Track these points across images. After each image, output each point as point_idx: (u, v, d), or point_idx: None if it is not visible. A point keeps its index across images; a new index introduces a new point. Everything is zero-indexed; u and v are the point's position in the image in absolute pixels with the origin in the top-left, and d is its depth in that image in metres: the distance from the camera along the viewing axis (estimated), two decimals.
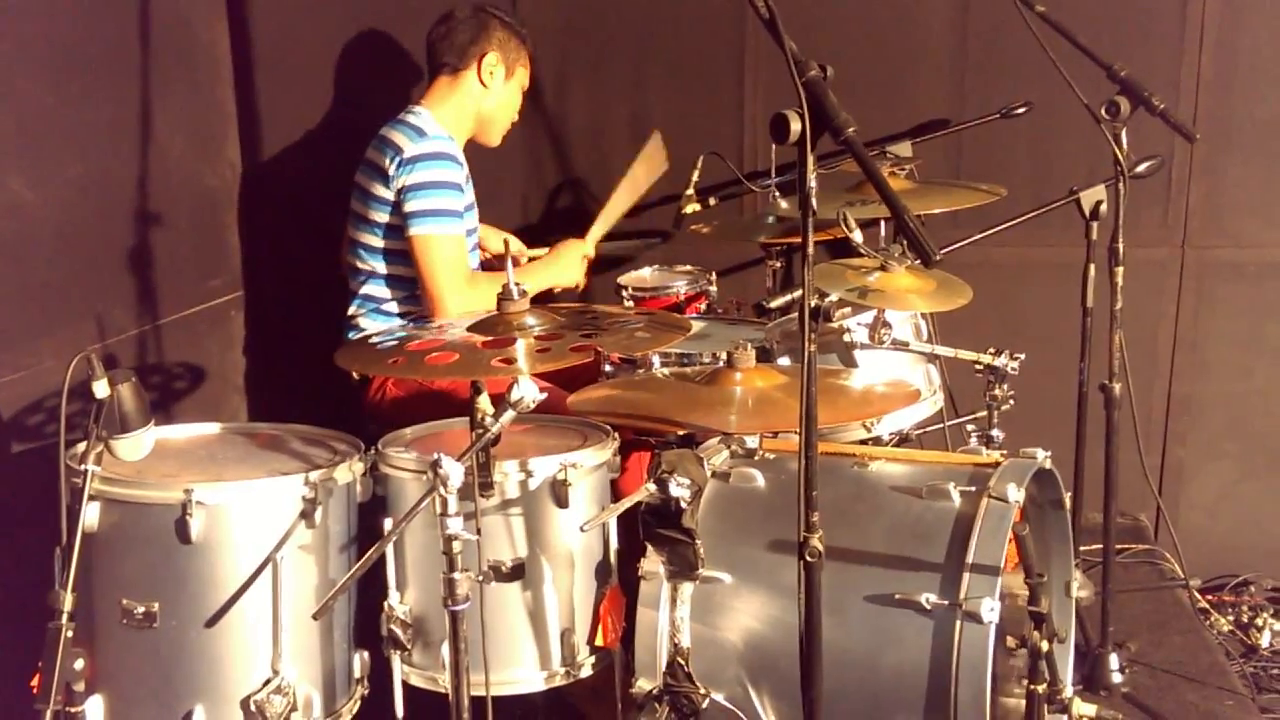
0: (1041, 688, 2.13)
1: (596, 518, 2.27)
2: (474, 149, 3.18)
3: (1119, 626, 2.97)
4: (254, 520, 2.13)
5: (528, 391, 1.97)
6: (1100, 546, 2.95)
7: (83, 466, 1.99)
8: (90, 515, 2.04)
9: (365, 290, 3.06)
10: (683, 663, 2.06)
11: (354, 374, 2.97)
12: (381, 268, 3.03)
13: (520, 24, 3.17)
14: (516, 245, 3.40)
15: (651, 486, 2.01)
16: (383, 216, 2.98)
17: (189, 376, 3.13)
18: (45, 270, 2.61)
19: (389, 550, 2.21)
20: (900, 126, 3.56)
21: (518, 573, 2.26)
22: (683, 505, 2.02)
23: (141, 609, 2.08)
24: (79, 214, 2.71)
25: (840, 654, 1.99)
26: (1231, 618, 3.40)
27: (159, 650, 2.10)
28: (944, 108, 3.63)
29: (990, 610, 1.96)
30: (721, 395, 2.22)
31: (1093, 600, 2.99)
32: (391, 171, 2.92)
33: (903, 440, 2.90)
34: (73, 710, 2.04)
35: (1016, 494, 2.08)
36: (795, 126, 1.64)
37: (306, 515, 2.15)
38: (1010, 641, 2.28)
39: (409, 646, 2.25)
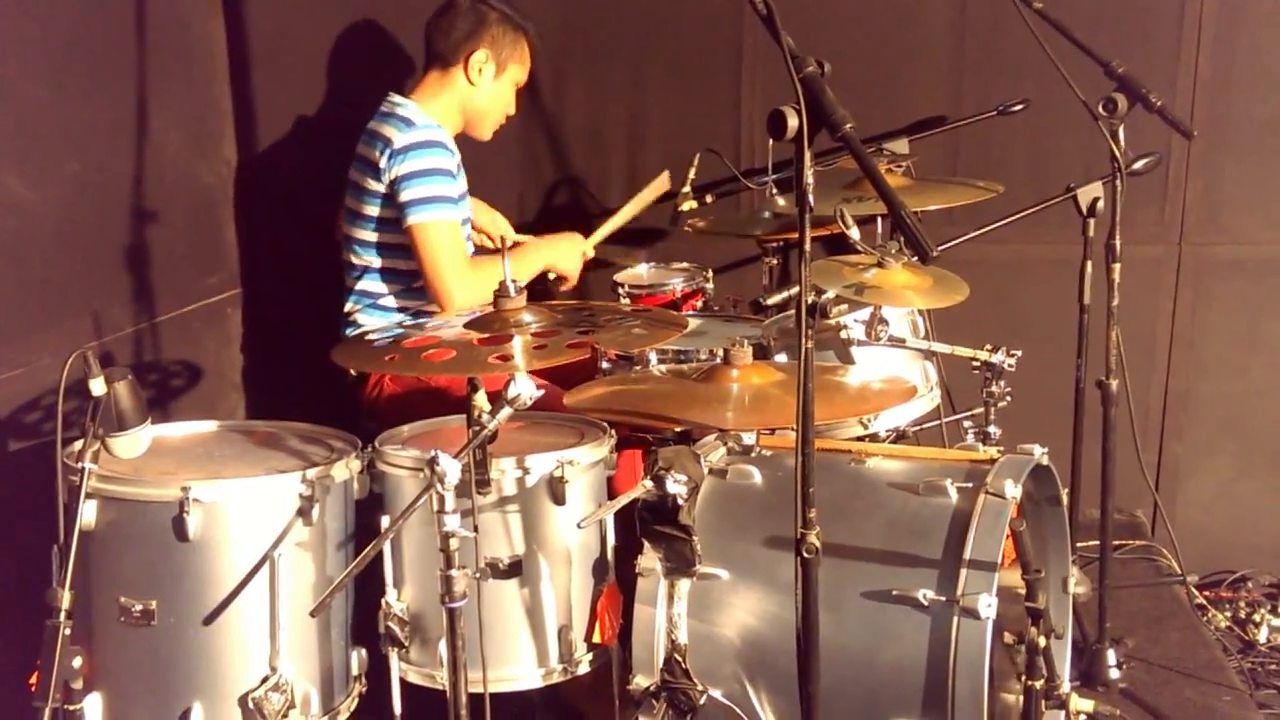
0: (1039, 683, 2.14)
1: (593, 514, 2.27)
2: (469, 145, 3.18)
3: (1116, 622, 2.98)
4: (251, 518, 2.13)
5: (525, 388, 1.97)
6: (1097, 543, 2.96)
7: (80, 464, 1.99)
8: (88, 513, 2.04)
9: (361, 286, 3.06)
10: (680, 659, 2.06)
11: (351, 371, 2.97)
12: (376, 262, 3.03)
13: (523, 17, 3.15)
14: (504, 226, 3.40)
15: (648, 483, 2.01)
16: (376, 210, 2.97)
17: (186, 374, 3.13)
18: (42, 268, 2.60)
19: (386, 547, 2.21)
20: (897, 123, 3.56)
21: (515, 570, 2.26)
22: (680, 502, 2.02)
23: (139, 607, 2.08)
24: (75, 211, 2.70)
25: (838, 650, 1.99)
26: (1229, 613, 3.40)
27: (157, 648, 2.10)
28: (941, 105, 3.63)
29: (987, 606, 1.96)
30: (718, 392, 2.22)
31: (1090, 596, 2.99)
32: (383, 164, 2.91)
33: (900, 437, 2.90)
34: (71, 708, 2.04)
35: (1013, 490, 2.08)
36: (792, 123, 1.64)
37: (304, 513, 2.15)
38: (1008, 637, 2.29)
39: (406, 644, 2.25)
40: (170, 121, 3.02)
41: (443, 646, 2.08)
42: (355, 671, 2.32)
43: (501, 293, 2.15)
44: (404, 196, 2.90)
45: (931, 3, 3.64)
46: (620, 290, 3.28)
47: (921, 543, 2.07)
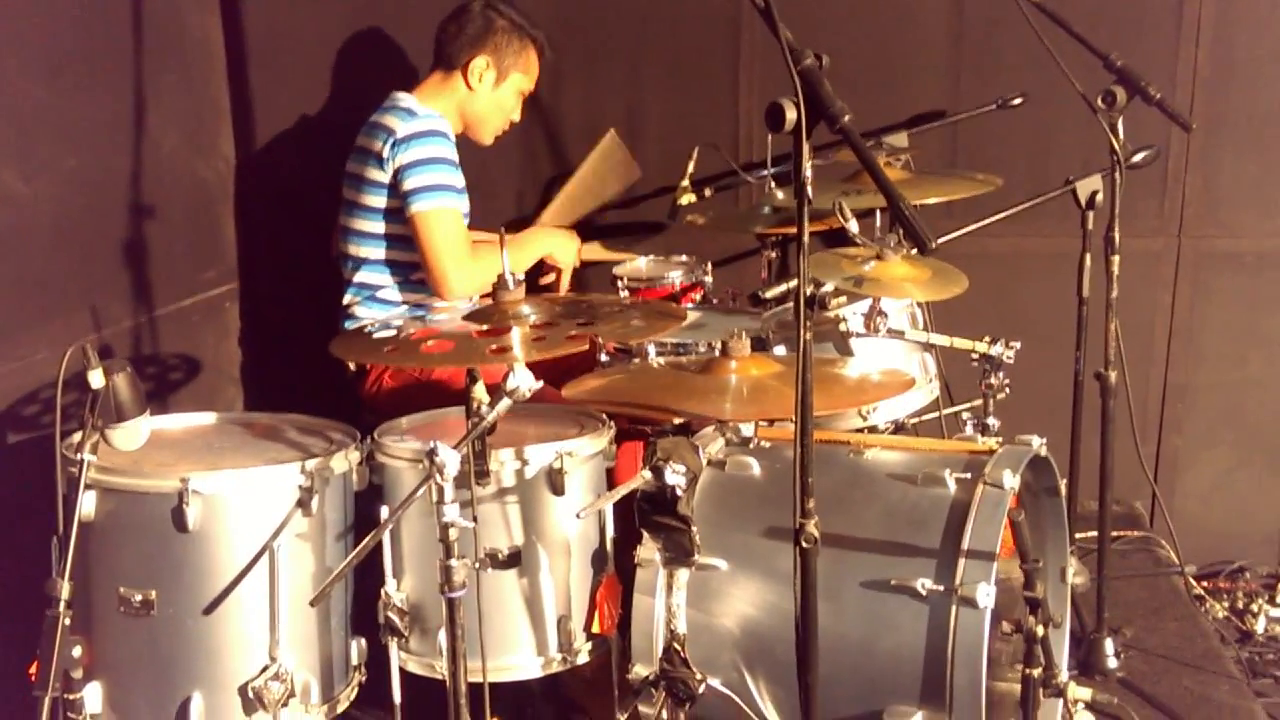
0: (1037, 672, 2.14)
1: (592, 505, 2.28)
2: (467, 143, 3.18)
3: (1114, 612, 2.98)
4: (251, 509, 2.13)
5: (523, 380, 1.98)
6: (1096, 533, 2.96)
7: (79, 456, 1.99)
8: (87, 504, 2.05)
9: (360, 278, 3.05)
10: (679, 649, 2.07)
11: (350, 364, 2.97)
12: (376, 254, 3.03)
13: (533, 25, 3.14)
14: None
15: (647, 474, 2.01)
16: (378, 201, 2.97)
17: (185, 368, 3.13)
18: (40, 262, 2.61)
19: (386, 538, 2.22)
20: (896, 117, 3.56)
21: (514, 560, 2.26)
22: (678, 492, 2.03)
23: (139, 597, 2.09)
24: (73, 206, 2.71)
25: (836, 639, 2.00)
26: (1226, 603, 3.41)
27: (157, 638, 2.11)
28: (940, 98, 3.63)
29: (986, 595, 1.97)
30: (717, 384, 2.22)
31: (1088, 586, 2.99)
32: (385, 154, 2.91)
33: (898, 428, 2.90)
34: (71, 697, 2.05)
35: (1012, 480, 2.08)
36: (790, 115, 1.64)
37: (303, 504, 2.16)
38: (1006, 627, 2.29)
39: (406, 634, 2.25)
40: (168, 117, 3.02)
41: (442, 636, 2.09)
42: (355, 661, 2.32)
43: (500, 285, 2.15)
44: (407, 185, 2.90)
45: None
46: (619, 283, 3.28)
47: (920, 533, 2.08)
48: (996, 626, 2.25)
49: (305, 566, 2.19)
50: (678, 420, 2.24)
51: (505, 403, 2.00)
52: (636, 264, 3.43)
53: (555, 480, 2.26)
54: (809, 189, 1.67)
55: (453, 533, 1.93)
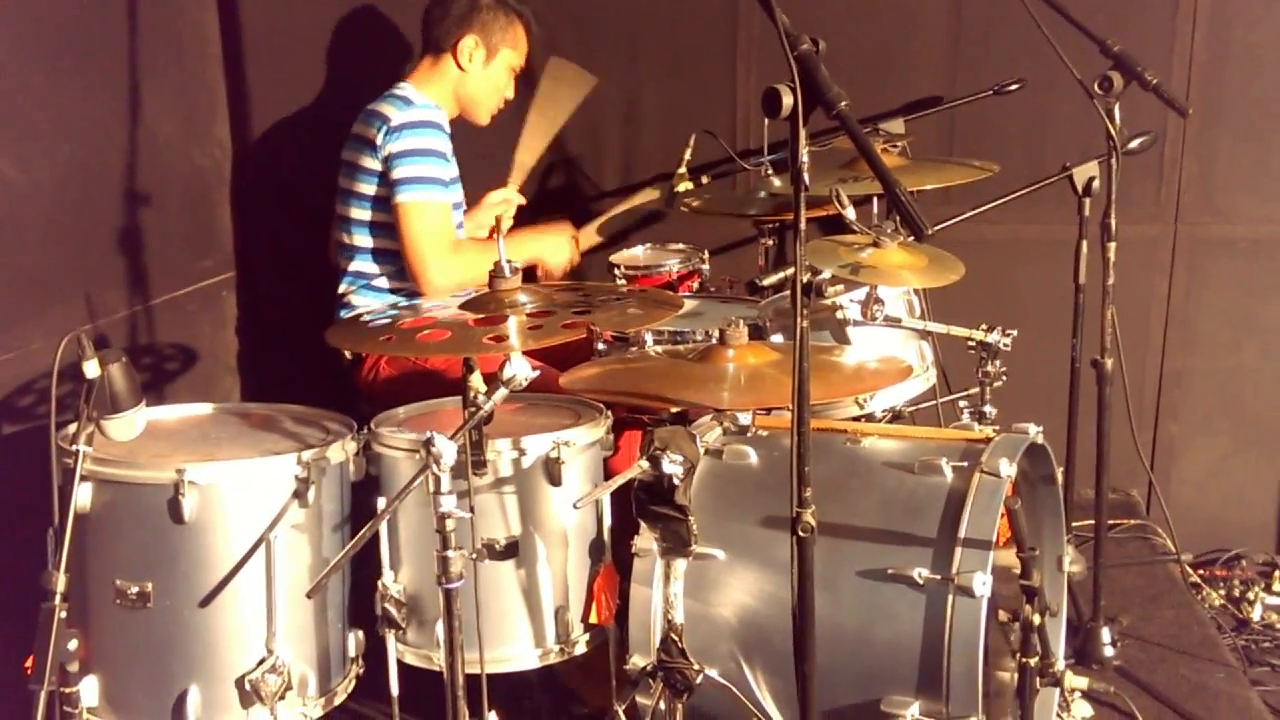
0: (1033, 661, 2.14)
1: (590, 495, 2.28)
2: (465, 129, 3.17)
3: (1111, 600, 2.99)
4: (247, 500, 2.13)
5: (520, 369, 1.97)
6: (1092, 521, 2.96)
7: (74, 447, 1.98)
8: (82, 496, 2.05)
9: (355, 267, 3.05)
10: (676, 639, 2.06)
11: (346, 354, 2.97)
12: (370, 242, 3.02)
13: (518, 1, 3.13)
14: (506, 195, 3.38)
15: (644, 463, 2.01)
16: (371, 189, 2.97)
17: (181, 357, 3.13)
18: (35, 251, 2.60)
19: (382, 529, 2.22)
20: (893, 103, 3.55)
21: (511, 551, 2.26)
22: (675, 482, 2.02)
23: (135, 589, 2.09)
24: (69, 195, 2.69)
25: (833, 629, 2.00)
26: (1223, 592, 3.42)
27: (153, 630, 2.10)
28: (937, 84, 3.62)
29: (982, 584, 1.97)
30: (714, 372, 2.21)
31: (1085, 575, 3.00)
32: (379, 140, 2.91)
33: (895, 417, 2.90)
34: (67, 691, 2.03)
35: (1009, 469, 2.08)
36: (787, 101, 1.63)
37: (299, 494, 2.16)
38: (1002, 615, 2.29)
39: (403, 625, 2.26)
40: (164, 105, 3.01)
41: (439, 628, 2.08)
42: (352, 653, 2.32)
43: (497, 273, 2.14)
44: (395, 174, 2.90)
45: None
46: (616, 271, 3.27)
47: (917, 521, 2.08)
48: (993, 615, 2.25)
49: (302, 558, 2.19)
50: (675, 409, 2.23)
51: (502, 392, 1.99)
52: (633, 252, 3.42)
53: (552, 470, 2.26)
54: (805, 175, 1.66)
55: (450, 523, 1.93)
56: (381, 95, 3.03)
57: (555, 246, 3.24)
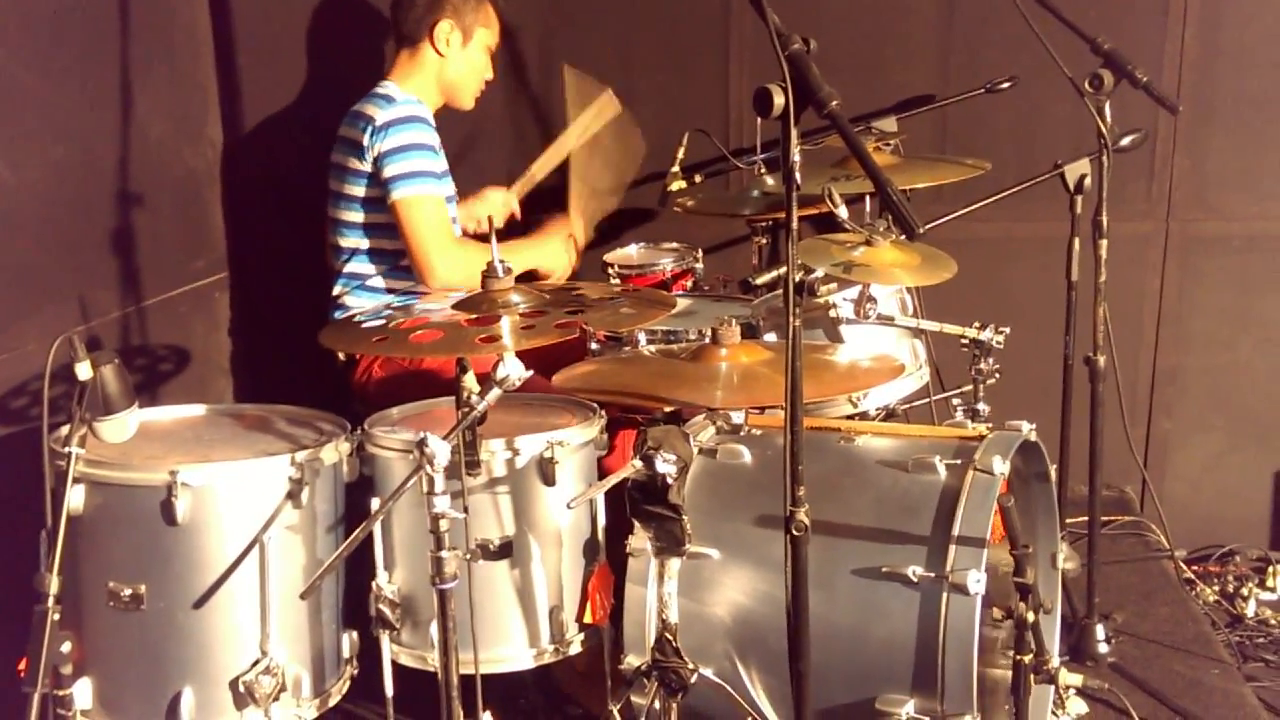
0: (1028, 658, 2.14)
1: (583, 495, 2.27)
2: (456, 121, 3.16)
3: (1105, 597, 2.99)
4: (240, 501, 2.12)
5: (513, 369, 1.97)
6: (1086, 518, 2.97)
7: (66, 449, 1.98)
8: (75, 498, 2.04)
9: (349, 268, 3.04)
10: (671, 638, 2.06)
11: (339, 355, 2.96)
12: (363, 243, 3.02)
13: None
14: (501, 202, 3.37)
15: (638, 463, 2.01)
16: (361, 190, 2.96)
17: (174, 359, 3.11)
18: (26, 252, 2.59)
19: (376, 530, 2.21)
20: (885, 102, 3.55)
21: (505, 551, 2.26)
22: (669, 481, 2.02)
23: (128, 591, 2.08)
24: (60, 195, 2.68)
25: (827, 627, 2.00)
26: (1217, 588, 3.43)
27: (147, 632, 2.10)
28: (929, 83, 3.63)
29: (976, 582, 1.97)
30: (707, 371, 2.22)
31: (1079, 572, 3.00)
32: (366, 141, 2.90)
33: (889, 415, 2.90)
34: (61, 693, 2.03)
35: (1002, 466, 2.09)
36: (778, 100, 1.64)
37: (293, 495, 2.15)
38: (996, 613, 2.30)
39: (398, 626, 2.26)
40: (155, 104, 3.00)
41: (434, 628, 2.08)
42: (346, 654, 2.32)
43: (490, 273, 2.14)
44: (387, 173, 2.89)
45: None
46: (610, 270, 3.27)
47: (911, 520, 2.08)
48: (987, 613, 2.25)
49: (296, 559, 2.18)
50: (668, 408, 2.24)
51: (495, 392, 1.99)
52: (627, 251, 3.42)
53: (546, 470, 2.26)
54: (797, 174, 1.67)
55: (443, 524, 1.93)
56: (365, 96, 3.02)
57: (553, 253, 3.22)
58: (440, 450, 1.88)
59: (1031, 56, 2.85)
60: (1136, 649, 2.99)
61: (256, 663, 2.12)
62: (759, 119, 1.67)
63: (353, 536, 1.94)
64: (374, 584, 2.25)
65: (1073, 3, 2.92)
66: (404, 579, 2.29)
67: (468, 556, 2.03)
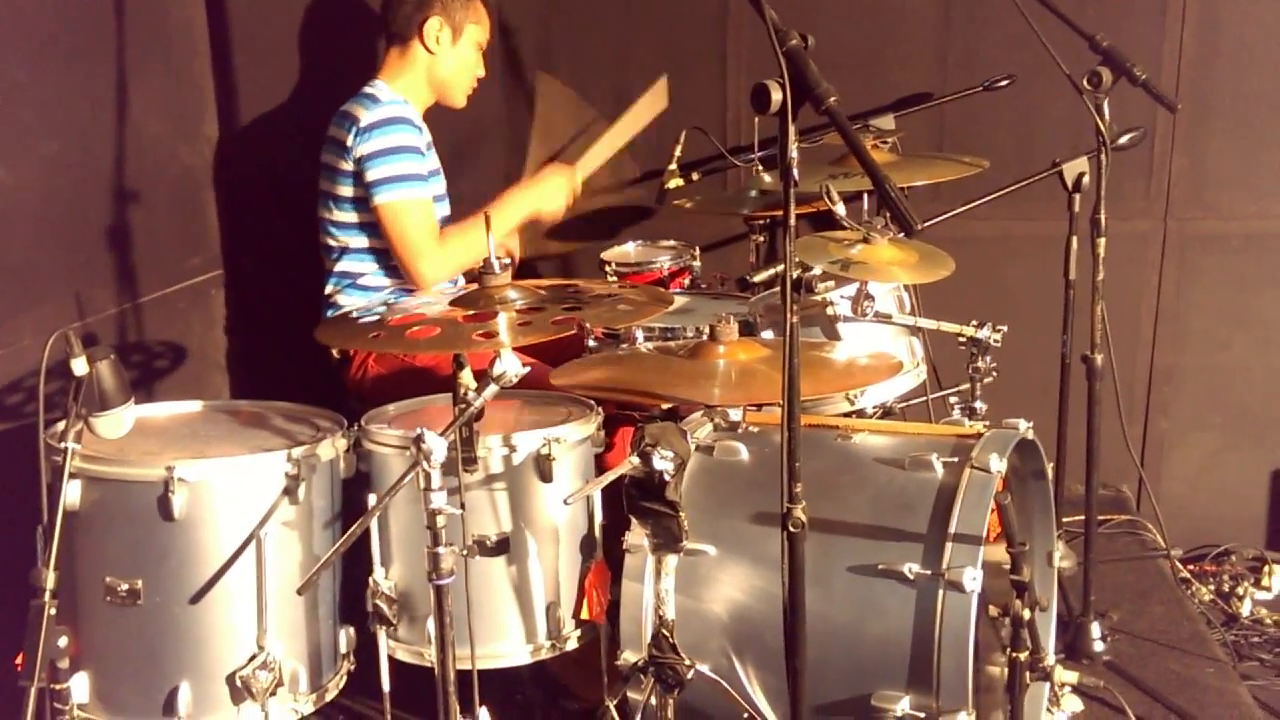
0: (1024, 656, 2.15)
1: (580, 491, 2.28)
2: (455, 126, 3.15)
3: (1101, 596, 3.00)
4: (237, 497, 2.12)
5: (510, 365, 1.97)
6: (1082, 517, 2.97)
7: (63, 444, 1.98)
8: (72, 493, 2.04)
9: (340, 267, 3.04)
10: (668, 635, 2.06)
11: (334, 352, 2.96)
12: (353, 242, 3.01)
13: None
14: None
15: (635, 459, 2.01)
16: (349, 190, 2.95)
17: (170, 355, 3.11)
18: (22, 249, 2.58)
19: (373, 526, 2.21)
20: (883, 99, 3.55)
21: (502, 547, 2.26)
22: (666, 478, 2.02)
23: (125, 586, 2.08)
24: (56, 192, 2.68)
25: (824, 624, 2.00)
26: (1212, 587, 3.43)
27: (143, 627, 2.10)
28: (926, 80, 3.63)
29: (972, 580, 1.97)
30: (705, 369, 2.21)
31: (1075, 570, 3.01)
32: (350, 143, 2.89)
33: (886, 413, 2.90)
34: (57, 688, 2.04)
35: (999, 464, 2.09)
36: (776, 97, 1.63)
37: (290, 491, 2.15)
38: (993, 610, 2.30)
39: (394, 621, 2.26)
40: (151, 101, 2.99)
41: (431, 624, 2.08)
42: (343, 650, 2.32)
43: (486, 269, 2.14)
44: (369, 176, 2.88)
45: None
46: (607, 268, 3.27)
47: (907, 517, 2.08)
48: (983, 610, 2.25)
49: (292, 555, 2.18)
50: (666, 405, 2.24)
51: (492, 388, 1.99)
52: (624, 249, 3.42)
53: (543, 466, 2.26)
54: (795, 172, 1.67)
55: (440, 520, 1.93)
56: (354, 95, 3.01)
57: (549, 192, 3.13)
58: (437, 446, 1.88)
59: (1030, 54, 2.85)
60: (1132, 647, 2.99)
61: (253, 658, 2.12)
62: (756, 117, 1.67)
63: (350, 532, 1.94)
64: (371, 580, 2.25)
65: (1071, 0, 2.92)
66: (401, 575, 2.29)
67: (464, 552, 2.03)
